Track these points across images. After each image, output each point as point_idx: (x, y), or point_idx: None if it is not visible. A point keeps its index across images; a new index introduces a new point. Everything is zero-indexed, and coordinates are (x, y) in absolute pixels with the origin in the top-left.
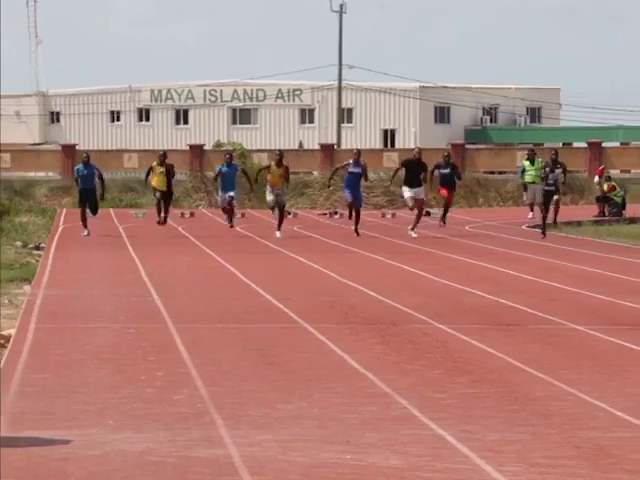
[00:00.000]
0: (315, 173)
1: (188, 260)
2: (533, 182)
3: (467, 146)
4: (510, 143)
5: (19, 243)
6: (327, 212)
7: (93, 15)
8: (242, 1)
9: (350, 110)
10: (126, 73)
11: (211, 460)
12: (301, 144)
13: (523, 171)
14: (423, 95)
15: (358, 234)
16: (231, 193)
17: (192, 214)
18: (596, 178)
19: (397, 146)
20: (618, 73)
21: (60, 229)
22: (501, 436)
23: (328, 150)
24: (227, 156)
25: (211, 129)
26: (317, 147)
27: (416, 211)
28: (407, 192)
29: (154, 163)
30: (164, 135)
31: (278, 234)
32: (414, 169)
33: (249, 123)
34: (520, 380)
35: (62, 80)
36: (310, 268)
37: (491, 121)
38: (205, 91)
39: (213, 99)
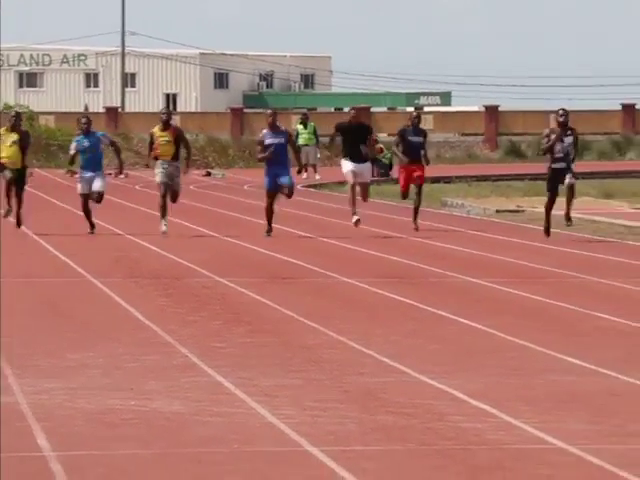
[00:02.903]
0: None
1: None
2: (306, 144)
3: (245, 110)
4: (285, 108)
5: None
6: (112, 172)
7: None
8: None
9: (133, 75)
10: None
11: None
12: (87, 107)
13: (297, 135)
14: (203, 61)
15: (270, 231)
16: (97, 182)
17: None
18: None
19: (179, 109)
20: (389, 41)
21: None
22: (276, 382)
23: (112, 113)
24: (83, 121)
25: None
26: (102, 110)
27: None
28: (347, 165)
29: (1, 130)
30: None
31: (163, 227)
32: (353, 136)
33: (35, 87)
34: (294, 330)
35: None
36: (96, 225)
37: (267, 87)
38: None
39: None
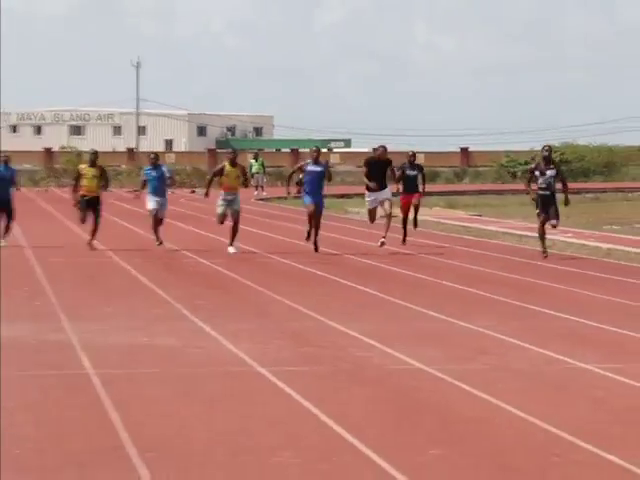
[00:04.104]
0: (123, 166)
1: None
2: (257, 172)
3: (217, 150)
4: (243, 149)
5: None
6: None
7: None
8: (80, 55)
9: (144, 127)
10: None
11: (58, 341)
12: (113, 149)
13: (251, 166)
14: (190, 119)
15: (317, 249)
16: (162, 210)
17: (46, 190)
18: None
19: (174, 149)
20: (311, 105)
21: None
22: (237, 326)
23: (131, 152)
24: (152, 156)
25: (57, 138)
26: (124, 150)
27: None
28: (369, 198)
29: (82, 165)
30: (27, 143)
31: (231, 250)
32: (378, 169)
33: (80, 135)
34: (249, 292)
35: None
36: (116, 224)
37: (232, 135)
38: (54, 114)
39: (57, 119)
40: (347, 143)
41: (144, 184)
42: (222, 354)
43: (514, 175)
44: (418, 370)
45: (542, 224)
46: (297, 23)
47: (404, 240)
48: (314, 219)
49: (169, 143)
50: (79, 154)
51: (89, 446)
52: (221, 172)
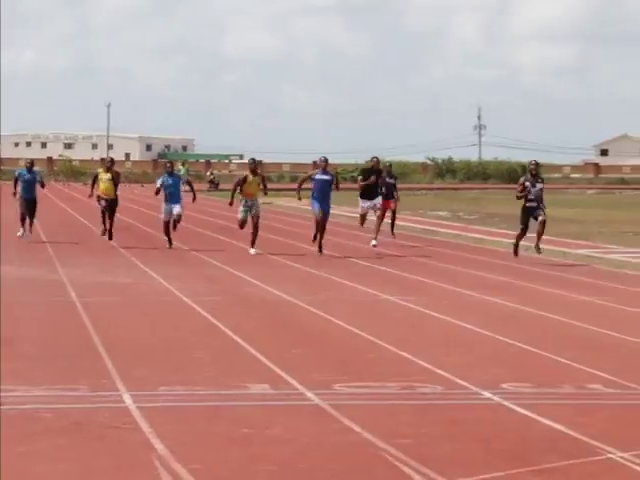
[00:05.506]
0: (99, 170)
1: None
2: (184, 174)
3: (159, 160)
4: (175, 159)
5: None
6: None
7: None
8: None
9: (112, 144)
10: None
11: (52, 280)
12: (92, 158)
13: (179, 170)
14: (141, 140)
15: (321, 251)
16: (177, 208)
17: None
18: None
19: (131, 159)
20: (220, 130)
21: None
22: (171, 271)
23: (104, 161)
24: (168, 165)
25: (55, 151)
26: (99, 159)
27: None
28: (364, 204)
29: (100, 170)
30: (36, 154)
31: (252, 251)
32: (372, 177)
33: (71, 148)
34: (180, 250)
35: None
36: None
37: (168, 150)
38: (54, 135)
39: (56, 138)
40: (241, 157)
41: (158, 191)
42: (160, 289)
43: (344, 179)
44: (285, 300)
45: (521, 235)
46: (208, 81)
47: (392, 231)
48: (321, 223)
49: (127, 155)
50: (70, 161)
51: (73, 345)
52: (244, 181)
